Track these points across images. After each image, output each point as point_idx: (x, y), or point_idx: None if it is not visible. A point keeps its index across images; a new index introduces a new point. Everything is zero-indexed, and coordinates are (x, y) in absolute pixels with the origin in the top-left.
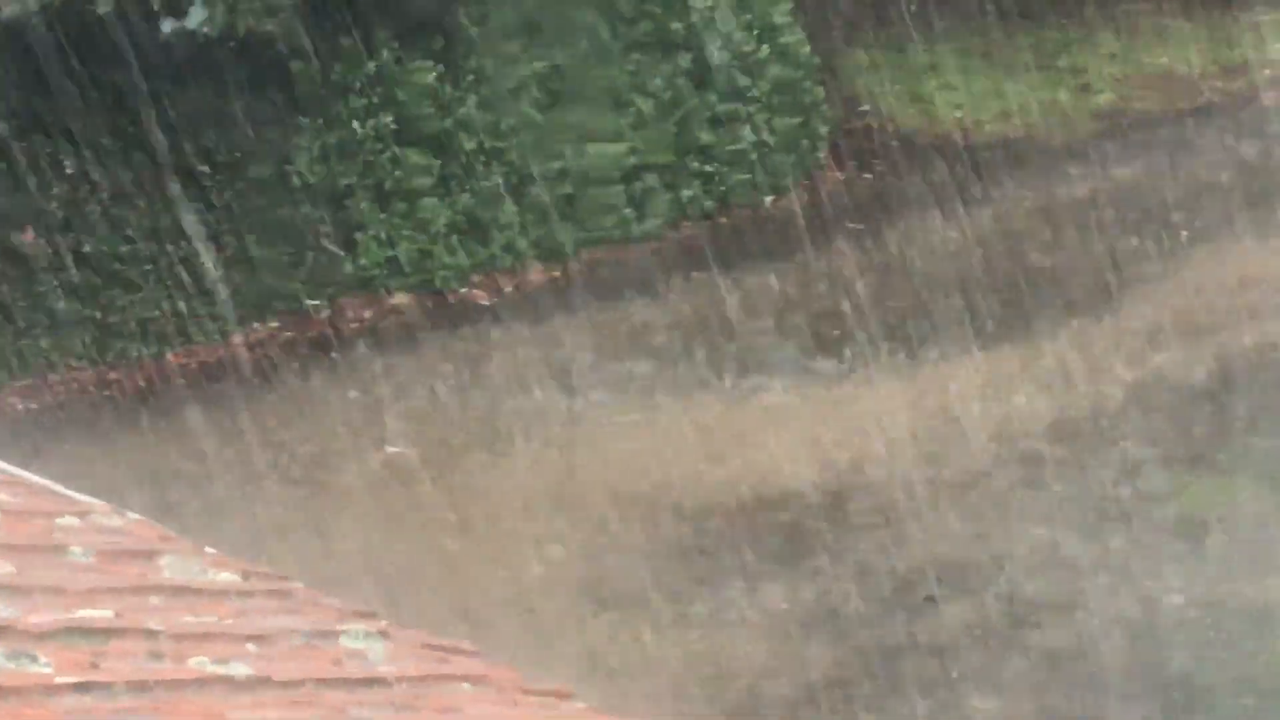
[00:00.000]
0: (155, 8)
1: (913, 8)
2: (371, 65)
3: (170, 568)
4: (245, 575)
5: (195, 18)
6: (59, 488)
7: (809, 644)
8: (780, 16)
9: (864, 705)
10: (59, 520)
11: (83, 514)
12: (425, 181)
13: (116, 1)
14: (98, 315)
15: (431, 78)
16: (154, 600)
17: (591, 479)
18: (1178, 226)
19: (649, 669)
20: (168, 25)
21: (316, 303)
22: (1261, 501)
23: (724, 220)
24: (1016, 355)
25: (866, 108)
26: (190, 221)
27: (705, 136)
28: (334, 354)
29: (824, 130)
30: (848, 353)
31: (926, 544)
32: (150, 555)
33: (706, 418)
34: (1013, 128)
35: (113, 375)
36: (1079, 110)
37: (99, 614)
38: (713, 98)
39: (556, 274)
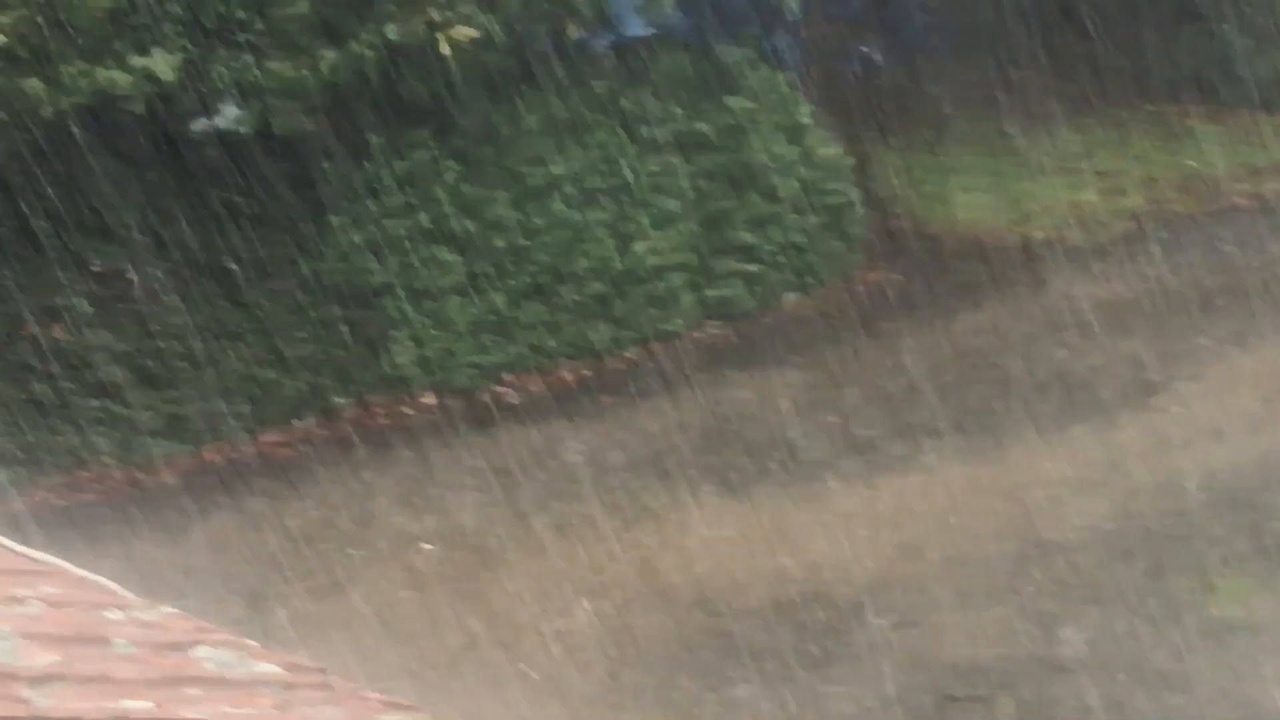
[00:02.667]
0: (188, 107)
1: (944, 110)
2: (403, 164)
3: (209, 659)
4: (284, 667)
5: (230, 116)
6: (101, 579)
7: None
8: (805, 118)
9: None
10: (102, 613)
11: (123, 607)
12: (454, 280)
13: (149, 101)
14: (126, 412)
15: (461, 178)
16: (193, 691)
17: (624, 577)
18: (1206, 329)
19: None
20: (199, 124)
21: (346, 401)
22: None
23: (752, 320)
24: (1044, 455)
25: (897, 209)
26: (220, 319)
27: (733, 236)
28: (364, 452)
29: (854, 231)
30: (875, 452)
31: (951, 643)
32: (189, 646)
33: (740, 516)
34: (1041, 229)
35: (140, 474)
36: (1106, 212)
37: (139, 705)
38: (741, 197)
39: (587, 373)
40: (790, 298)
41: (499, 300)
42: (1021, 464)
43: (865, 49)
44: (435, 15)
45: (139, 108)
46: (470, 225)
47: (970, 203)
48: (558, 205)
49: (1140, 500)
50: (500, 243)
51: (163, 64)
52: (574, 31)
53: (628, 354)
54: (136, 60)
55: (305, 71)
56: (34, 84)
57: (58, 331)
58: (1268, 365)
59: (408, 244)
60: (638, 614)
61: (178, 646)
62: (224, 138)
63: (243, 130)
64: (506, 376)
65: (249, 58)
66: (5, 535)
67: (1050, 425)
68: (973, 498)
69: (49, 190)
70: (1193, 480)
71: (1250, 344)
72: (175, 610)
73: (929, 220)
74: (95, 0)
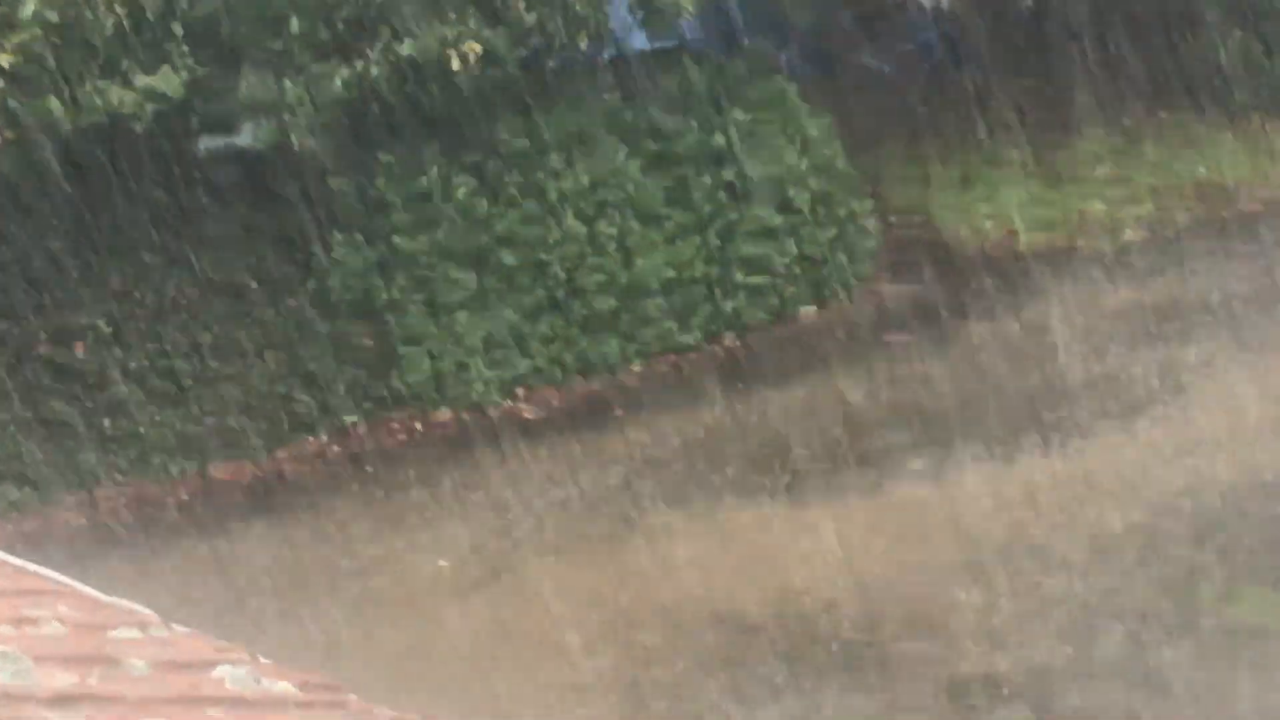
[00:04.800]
0: (199, 125)
1: (956, 120)
2: (414, 182)
3: (227, 678)
4: (300, 685)
5: (246, 134)
6: (117, 599)
7: None
8: (816, 130)
9: None
10: (116, 632)
11: (139, 625)
12: (465, 296)
13: (162, 120)
14: (142, 430)
15: (473, 194)
16: (212, 712)
17: (639, 592)
18: (1219, 336)
19: None
20: (207, 142)
21: (359, 418)
22: None
23: (766, 332)
24: (1058, 464)
25: (910, 220)
26: (233, 336)
27: (746, 249)
28: (377, 469)
29: (867, 242)
30: (889, 463)
31: (969, 656)
32: (206, 666)
33: (743, 531)
34: (1054, 238)
35: (153, 490)
36: (1119, 220)
37: None
38: (753, 211)
39: (600, 387)
40: (803, 310)
41: (511, 315)
42: (1017, 477)
43: (876, 61)
44: (447, 32)
45: (141, 125)
46: (482, 240)
47: (983, 212)
48: (569, 220)
49: (1163, 503)
50: (511, 258)
51: (170, 82)
52: (583, 45)
53: (640, 368)
54: (143, 79)
55: (316, 89)
56: (51, 103)
57: (74, 350)
58: (1274, 375)
59: (419, 260)
60: (636, 629)
61: (195, 666)
62: (236, 156)
63: (255, 147)
64: (520, 391)
65: (260, 76)
66: (20, 555)
67: (1065, 432)
68: (987, 506)
69: (68, 210)
70: (1214, 486)
71: (1269, 349)
72: (192, 630)
73: (942, 230)
74: (106, 19)
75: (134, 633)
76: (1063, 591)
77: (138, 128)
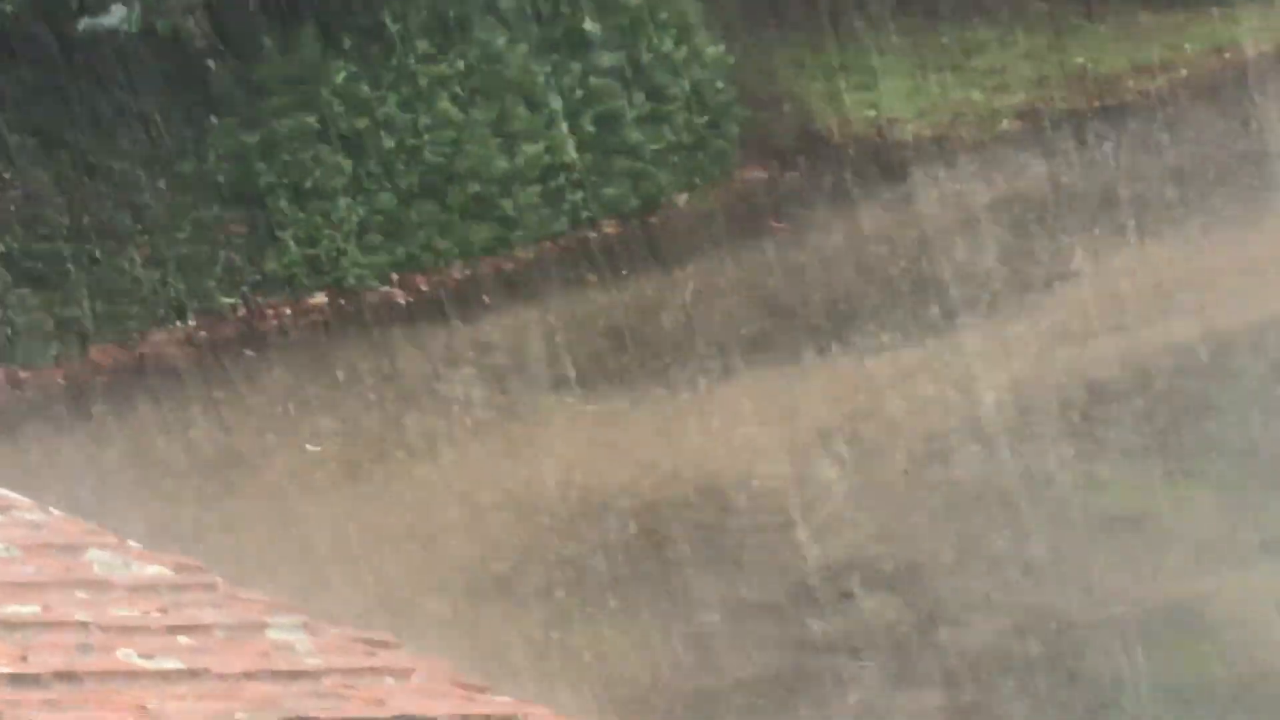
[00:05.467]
0: (73, 6)
1: (832, 8)
2: (292, 65)
3: (97, 562)
4: (172, 569)
5: (116, 15)
6: None
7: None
8: (694, 17)
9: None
10: None
11: (5, 509)
12: (342, 180)
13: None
14: (12, 315)
15: (351, 77)
16: (81, 594)
17: (505, 477)
18: (1093, 224)
19: (566, 665)
20: (84, 23)
21: (234, 301)
22: (1185, 498)
23: (640, 219)
24: (935, 352)
25: (784, 108)
26: (107, 220)
27: (623, 136)
28: (251, 352)
29: (739, 129)
30: (766, 349)
31: (842, 542)
32: (75, 550)
33: (617, 418)
34: (929, 127)
35: (24, 374)
36: (995, 109)
37: (27, 609)
38: (628, 96)
39: (475, 272)
40: (676, 197)
41: (387, 200)
42: (893, 364)
43: None
44: None
45: (11, 6)
46: (359, 125)
47: (858, 101)
48: (445, 104)
49: (1029, 394)
50: (389, 142)
51: None
52: None
53: (517, 254)
54: None
55: None
56: None
57: None
58: (1155, 260)
59: (295, 144)
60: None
61: (66, 549)
62: (110, 38)
63: (128, 29)
64: (395, 276)
65: None
66: None
67: (929, 324)
68: (850, 392)
69: None
70: (1077, 374)
71: (1138, 238)
72: (63, 513)
73: (816, 119)
74: None
75: (2, 516)
76: (931, 479)
77: (8, 8)
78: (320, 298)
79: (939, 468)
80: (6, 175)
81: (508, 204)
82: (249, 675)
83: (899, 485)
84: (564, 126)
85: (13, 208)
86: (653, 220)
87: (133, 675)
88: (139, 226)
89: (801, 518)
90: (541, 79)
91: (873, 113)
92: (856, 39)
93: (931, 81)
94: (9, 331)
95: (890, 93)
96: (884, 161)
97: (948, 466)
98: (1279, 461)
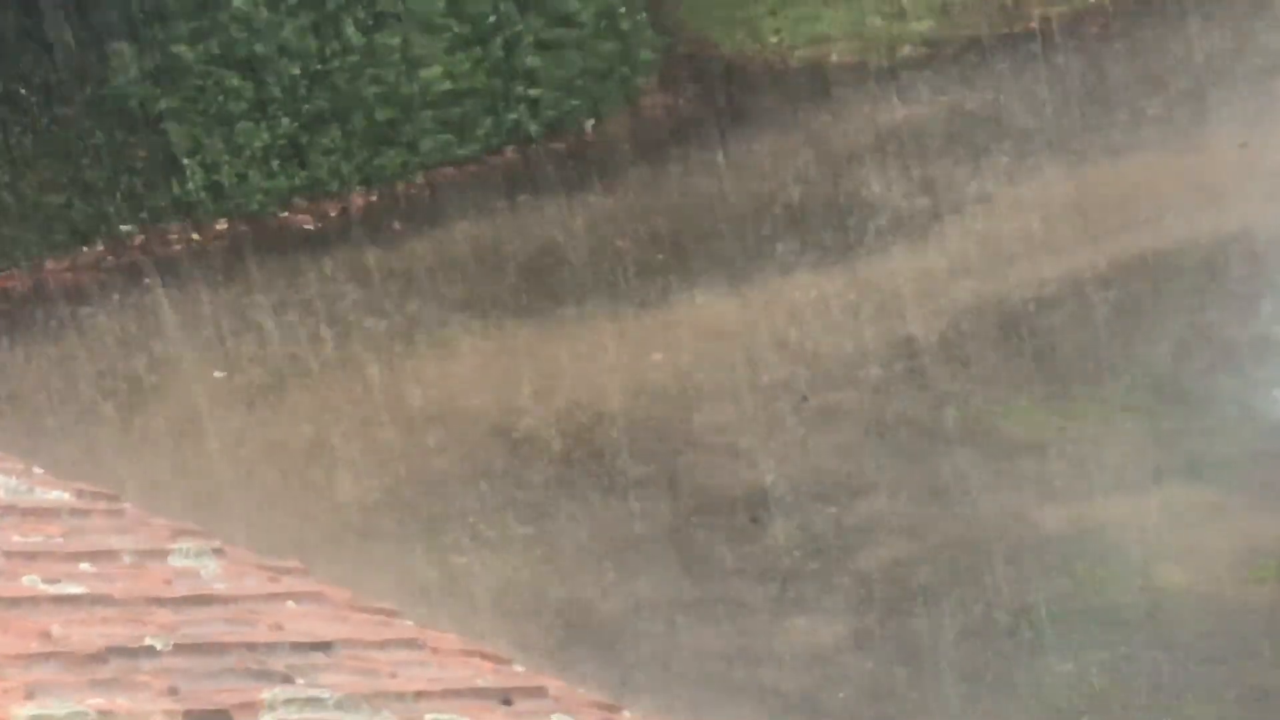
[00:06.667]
0: None
1: None
2: None
3: (1, 488)
4: (75, 494)
5: None
6: None
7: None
8: None
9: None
10: None
11: None
12: (244, 106)
13: None
14: None
15: (253, 3)
16: None
17: (409, 403)
18: (999, 152)
19: (470, 591)
20: None
21: (135, 228)
22: (1082, 424)
23: (547, 145)
24: (839, 280)
25: (690, 35)
26: (7, 145)
27: (528, 61)
28: (154, 279)
29: (647, 56)
30: (670, 277)
31: (748, 469)
32: None
33: (523, 344)
34: (834, 53)
35: None
36: (899, 36)
37: None
38: (535, 22)
39: (379, 198)
40: (583, 123)
41: (291, 126)
42: (800, 291)
43: None
44: None
45: None
46: (261, 50)
47: (763, 28)
48: (349, 30)
49: (921, 325)
50: (292, 69)
51: None
52: None
53: (420, 180)
54: None
55: None
56: None
57: None
58: (1051, 190)
59: (197, 69)
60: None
61: None
62: None
63: None
64: (299, 203)
65: None
66: None
67: (827, 254)
68: (741, 324)
69: None
70: (987, 303)
71: (1036, 170)
72: None
73: (721, 45)
74: None
75: None
76: (835, 406)
77: None
78: (223, 224)
79: (842, 394)
80: None
81: (411, 130)
82: (153, 600)
83: (801, 413)
84: (468, 52)
85: None
86: (557, 146)
87: (36, 601)
88: (41, 151)
89: (700, 446)
90: (445, 5)
91: (776, 39)
92: None
93: (835, 8)
94: None
95: (794, 20)
96: (790, 88)
97: (852, 393)
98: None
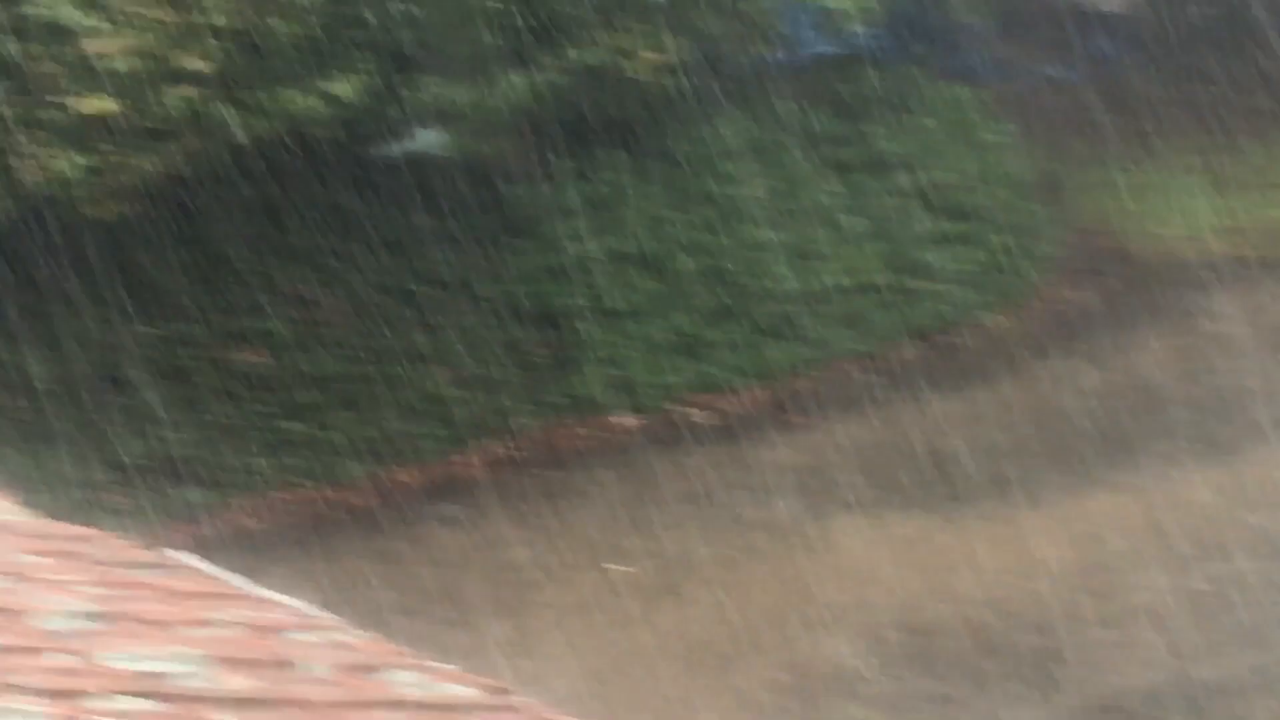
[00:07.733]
0: (376, 132)
1: (1135, 126)
2: (591, 186)
3: (407, 683)
4: (474, 689)
5: (421, 140)
6: (293, 601)
7: None
8: (994, 136)
9: None
10: (295, 635)
11: (316, 629)
12: (641, 302)
13: (342, 126)
14: (320, 434)
15: (650, 200)
16: (385, 715)
17: (821, 597)
18: None
19: None
20: (388, 149)
21: (535, 423)
22: None
23: (943, 340)
24: (1251, 475)
25: (1090, 228)
26: (410, 341)
27: (923, 256)
28: (554, 472)
29: (1045, 249)
30: (1076, 472)
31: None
32: (381, 669)
33: (933, 538)
34: (1237, 246)
35: (331, 494)
36: None
37: None
38: (929, 217)
39: (775, 393)
40: (981, 317)
41: (687, 321)
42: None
43: (1054, 67)
44: (624, 41)
45: (323, 132)
46: (658, 246)
47: (1165, 220)
48: (746, 226)
49: None
50: (689, 264)
51: (345, 87)
52: (759, 52)
53: (817, 374)
54: (321, 84)
55: (494, 95)
56: (229, 110)
57: (252, 355)
58: None
59: (594, 265)
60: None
61: (370, 669)
62: (413, 162)
63: (432, 153)
64: (695, 397)
65: (437, 82)
66: (199, 557)
67: (1236, 448)
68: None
69: (243, 216)
70: None
71: None
72: (367, 633)
73: (1123, 238)
74: (287, 27)
75: (309, 635)
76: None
77: (318, 133)
78: (621, 418)
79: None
80: (312, 298)
81: (809, 325)
82: None
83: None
84: (861, 247)
85: (319, 330)
86: (954, 340)
87: None
88: (443, 348)
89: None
90: (838, 200)
91: (1182, 232)
92: (1160, 157)
93: (1236, 200)
94: (317, 451)
95: (1199, 212)
96: (1195, 282)
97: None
98: None
